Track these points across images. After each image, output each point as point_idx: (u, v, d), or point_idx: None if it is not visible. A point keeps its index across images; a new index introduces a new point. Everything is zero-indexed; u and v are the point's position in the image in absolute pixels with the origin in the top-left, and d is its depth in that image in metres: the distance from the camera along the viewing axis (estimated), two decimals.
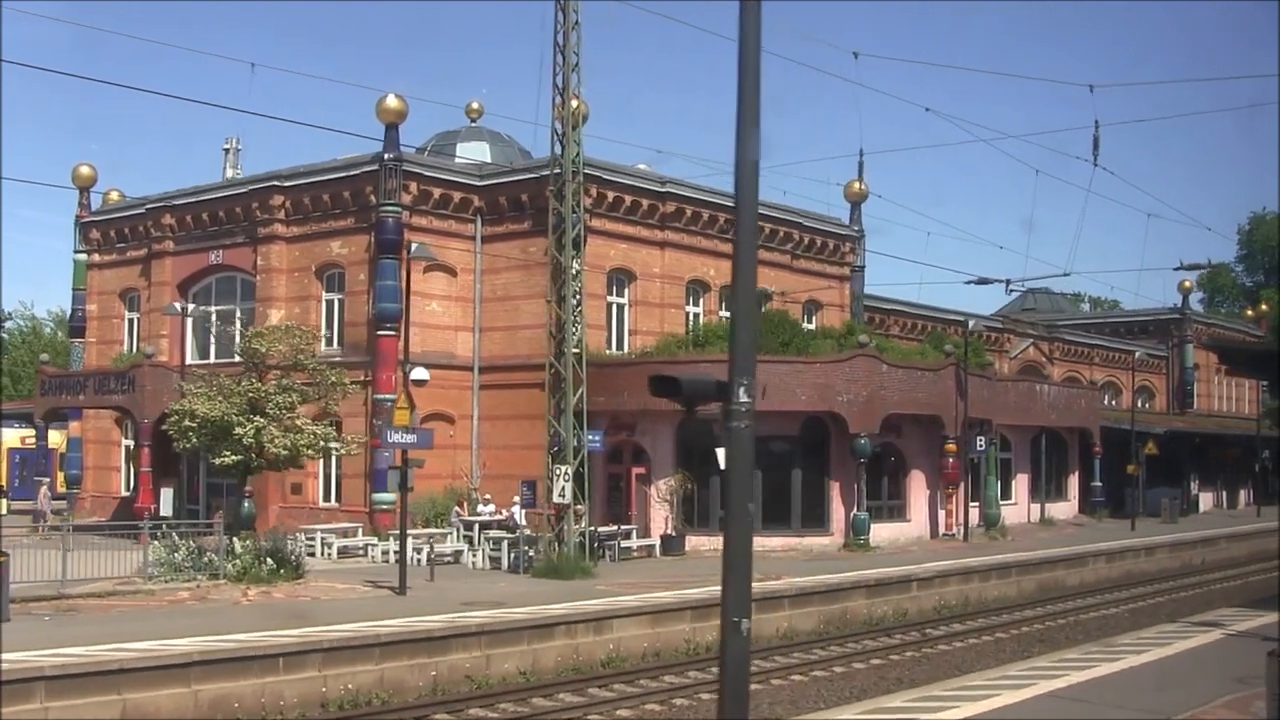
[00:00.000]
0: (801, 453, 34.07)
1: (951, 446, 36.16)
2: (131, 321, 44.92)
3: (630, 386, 33.56)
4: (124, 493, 42.67)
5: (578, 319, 34.83)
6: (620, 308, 37.78)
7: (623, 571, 29.16)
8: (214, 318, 40.81)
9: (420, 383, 25.63)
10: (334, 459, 36.95)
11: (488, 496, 35.55)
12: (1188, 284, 65.86)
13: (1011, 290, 30.89)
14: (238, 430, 24.39)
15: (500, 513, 34.55)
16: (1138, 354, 41.77)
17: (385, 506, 35.12)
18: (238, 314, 40.29)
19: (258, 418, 24.64)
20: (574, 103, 28.27)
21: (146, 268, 43.11)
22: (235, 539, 24.97)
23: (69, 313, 49.17)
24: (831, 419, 33.58)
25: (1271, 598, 25.75)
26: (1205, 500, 57.73)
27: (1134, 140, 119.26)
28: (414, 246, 26.31)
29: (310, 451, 25.47)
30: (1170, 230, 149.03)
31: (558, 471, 27.33)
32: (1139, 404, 68.17)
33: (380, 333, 35.52)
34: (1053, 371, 59.08)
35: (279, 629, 18.53)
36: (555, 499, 27.37)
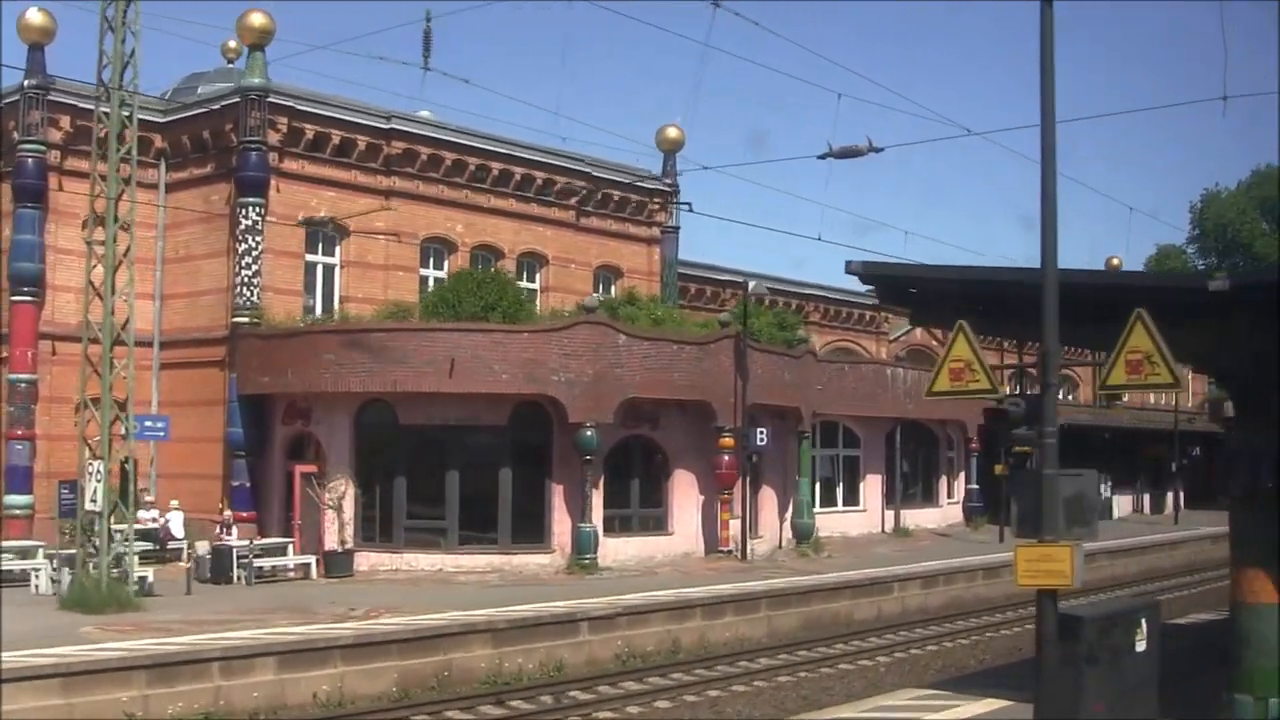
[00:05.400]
0: (513, 448, 26.94)
1: (727, 441, 28.84)
2: None
3: (297, 364, 26.79)
4: None
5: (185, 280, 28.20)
6: (328, 269, 30.80)
7: (226, 599, 22.38)
8: None
9: None
10: None
11: (150, 499, 28.82)
12: (1116, 261, 58.29)
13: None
14: None
15: (160, 519, 27.91)
16: None
17: (18, 512, 28.57)
18: None
19: None
20: None
21: None
22: None
23: None
24: (552, 405, 26.54)
25: (976, 674, 18.63)
26: (1122, 504, 50.34)
27: None
28: None
29: None
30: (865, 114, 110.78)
31: (91, 469, 20.48)
32: (1063, 396, 60.85)
33: (15, 299, 28.88)
34: None
35: None
36: (87, 504, 20.54)
